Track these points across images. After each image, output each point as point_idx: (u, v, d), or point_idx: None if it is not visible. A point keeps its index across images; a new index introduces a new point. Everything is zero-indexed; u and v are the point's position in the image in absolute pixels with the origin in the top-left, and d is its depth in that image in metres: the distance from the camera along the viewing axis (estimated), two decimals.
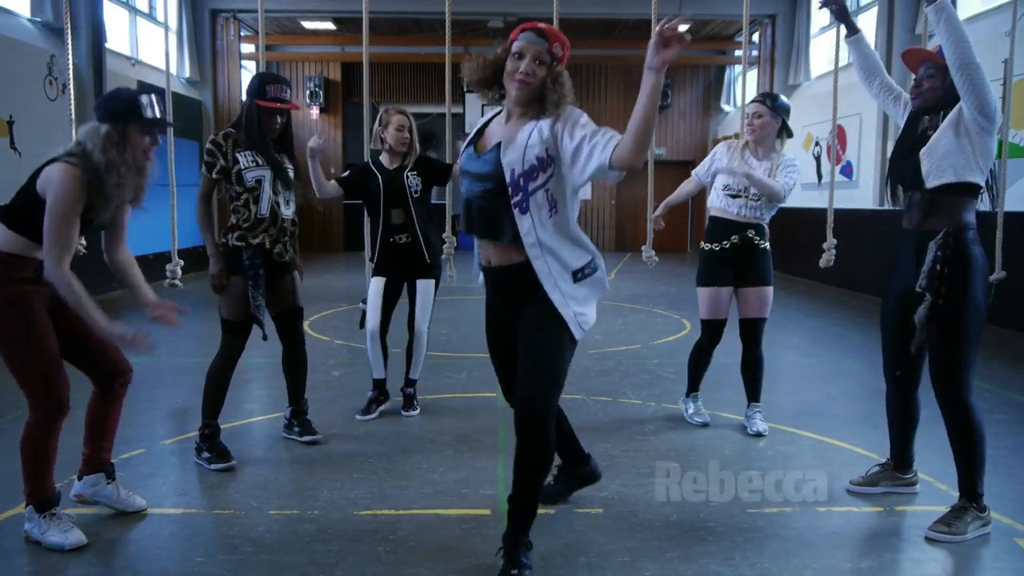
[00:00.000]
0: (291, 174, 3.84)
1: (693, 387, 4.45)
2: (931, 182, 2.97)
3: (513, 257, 2.61)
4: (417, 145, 4.41)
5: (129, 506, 3.14)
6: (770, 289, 4.23)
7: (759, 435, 4.16)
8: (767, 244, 4.21)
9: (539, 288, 2.58)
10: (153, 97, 2.87)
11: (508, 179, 2.53)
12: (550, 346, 2.58)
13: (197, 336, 6.21)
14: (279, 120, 3.75)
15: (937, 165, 2.95)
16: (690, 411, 4.43)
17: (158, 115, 2.88)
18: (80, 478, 3.14)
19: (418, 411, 4.57)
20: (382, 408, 4.56)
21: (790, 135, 4.21)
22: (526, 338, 2.63)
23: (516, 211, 2.54)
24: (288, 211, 3.83)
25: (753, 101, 4.18)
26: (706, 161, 4.37)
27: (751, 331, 4.24)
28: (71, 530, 2.86)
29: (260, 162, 3.70)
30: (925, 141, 3.02)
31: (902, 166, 3.10)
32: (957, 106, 2.93)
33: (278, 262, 3.81)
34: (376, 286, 4.42)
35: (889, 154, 3.26)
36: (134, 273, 3.04)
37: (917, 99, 3.06)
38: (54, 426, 2.84)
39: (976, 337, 2.98)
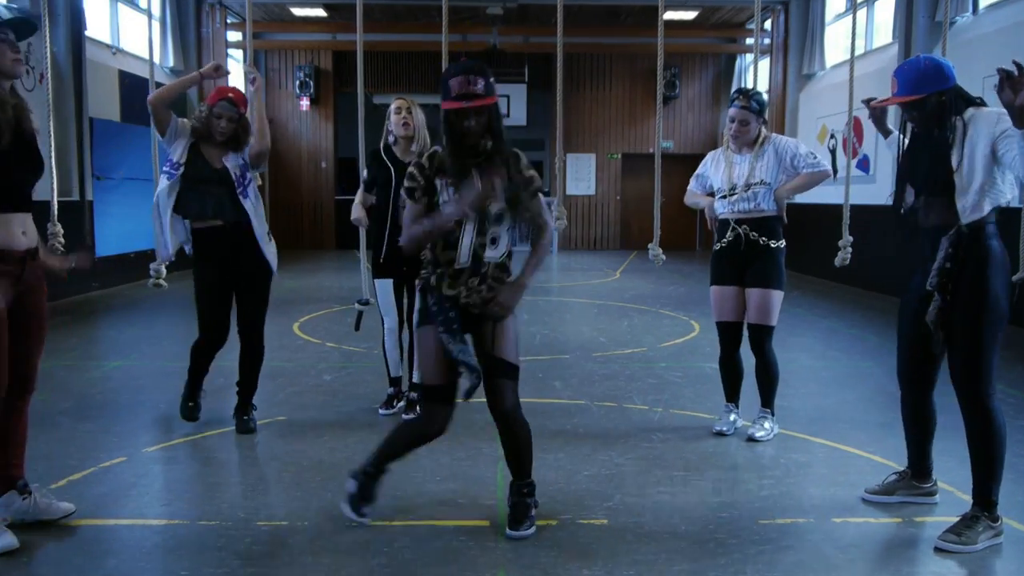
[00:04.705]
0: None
1: (726, 396, 4.28)
2: (967, 218, 2.87)
3: None
4: (425, 133, 4.30)
5: (53, 514, 2.99)
6: (771, 293, 4.01)
7: (752, 440, 4.02)
8: (774, 243, 4.02)
9: None
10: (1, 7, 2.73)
11: None
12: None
13: (180, 339, 6.03)
14: (469, 125, 2.78)
15: (973, 203, 2.86)
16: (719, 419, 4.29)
17: (7, 16, 2.73)
18: None
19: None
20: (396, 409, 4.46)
21: (766, 123, 4.17)
22: None
23: None
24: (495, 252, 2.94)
25: (738, 107, 4.01)
26: (697, 176, 4.33)
27: (752, 338, 4.08)
28: (2, 534, 2.77)
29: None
30: (940, 145, 2.92)
31: (915, 168, 3.02)
32: (988, 146, 2.83)
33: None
34: (385, 287, 4.37)
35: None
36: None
37: (916, 126, 3.04)
38: None
39: (995, 336, 2.88)
